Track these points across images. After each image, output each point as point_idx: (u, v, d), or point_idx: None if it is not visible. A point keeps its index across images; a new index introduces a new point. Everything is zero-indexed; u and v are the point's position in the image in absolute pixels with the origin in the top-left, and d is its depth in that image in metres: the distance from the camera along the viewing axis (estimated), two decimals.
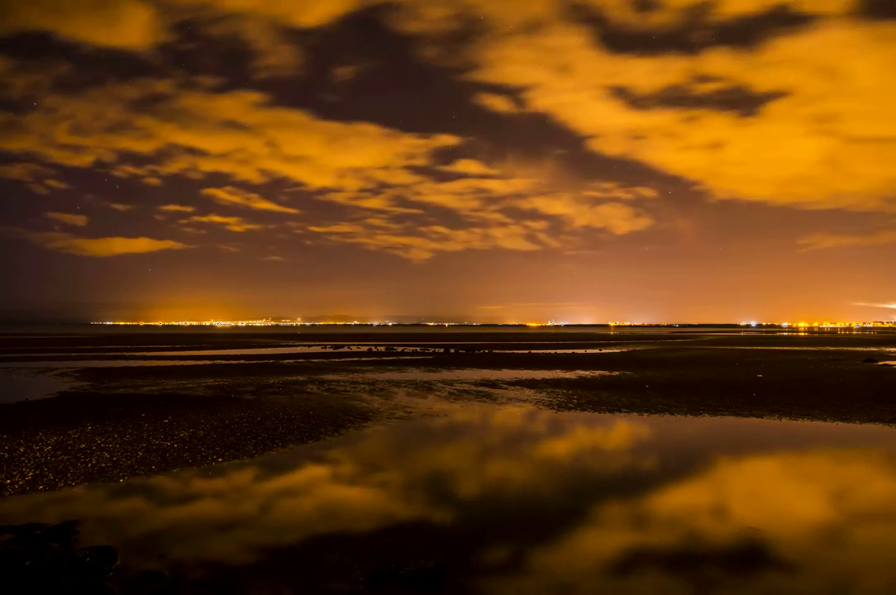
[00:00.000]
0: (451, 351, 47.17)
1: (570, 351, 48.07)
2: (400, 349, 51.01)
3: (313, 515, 7.37)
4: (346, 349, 51.10)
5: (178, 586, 5.33)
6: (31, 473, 8.95)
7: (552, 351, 48.18)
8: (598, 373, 26.43)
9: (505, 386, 21.12)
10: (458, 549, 6.19)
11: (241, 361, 34.31)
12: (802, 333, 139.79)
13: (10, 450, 10.28)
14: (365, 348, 52.44)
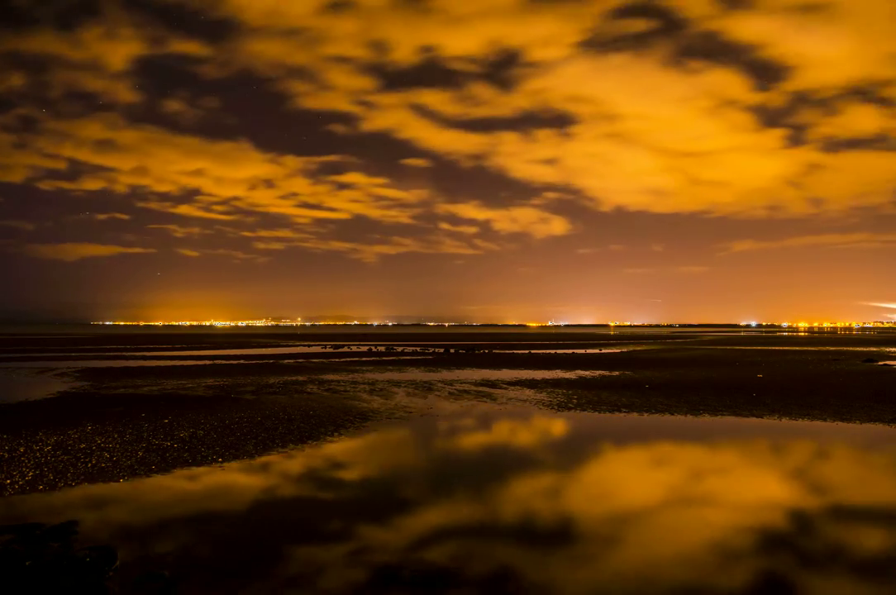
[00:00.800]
0: (451, 351, 47.17)
1: (570, 351, 48.07)
2: (400, 349, 51.01)
3: (313, 515, 7.37)
4: (346, 349, 51.11)
5: (178, 586, 5.34)
6: (31, 473, 8.95)
7: (552, 351, 48.18)
8: (598, 373, 26.43)
9: (505, 386, 21.12)
10: (462, 550, 6.20)
11: (241, 361, 34.31)
12: (802, 333, 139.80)
13: (10, 450, 10.28)
14: (365, 348, 52.44)
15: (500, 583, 5.42)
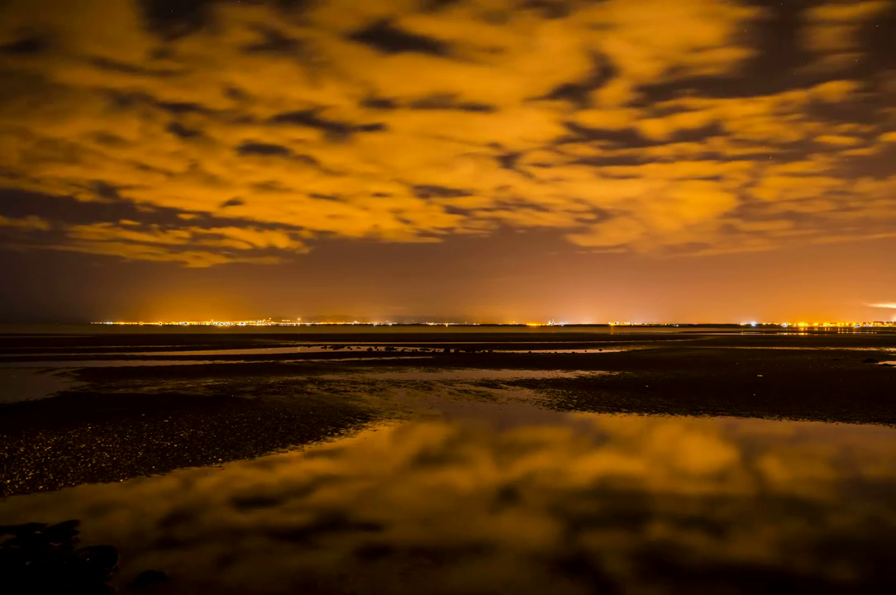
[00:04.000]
0: (451, 351, 47.17)
1: (570, 351, 48.06)
2: (400, 349, 51.00)
3: (313, 515, 7.37)
4: (346, 349, 51.11)
5: (178, 586, 5.34)
6: (31, 473, 8.95)
7: (552, 351, 48.18)
8: (598, 373, 26.43)
9: (505, 386, 21.12)
10: (459, 549, 6.20)
11: (241, 361, 34.31)
12: (802, 333, 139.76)
13: (10, 450, 10.28)
14: (365, 348, 52.45)
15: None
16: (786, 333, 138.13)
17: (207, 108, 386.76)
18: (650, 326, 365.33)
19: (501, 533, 6.71)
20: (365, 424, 13.28)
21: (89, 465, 9.49)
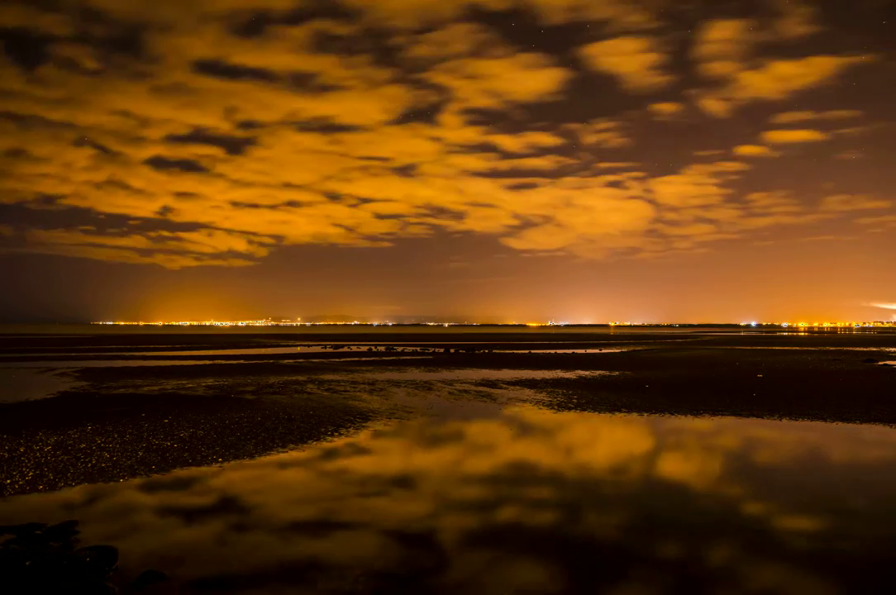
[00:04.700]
0: (451, 351, 47.17)
1: (570, 351, 48.07)
2: (400, 349, 51.02)
3: (313, 516, 7.37)
4: (346, 349, 51.12)
5: (178, 586, 5.34)
6: (31, 473, 8.95)
7: (552, 351, 48.19)
8: (598, 373, 26.43)
9: (505, 386, 21.12)
10: (458, 550, 6.20)
11: (241, 361, 34.31)
12: (802, 333, 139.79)
13: (10, 450, 10.28)
14: (365, 348, 52.46)
15: None
16: (786, 333, 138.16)
17: (107, 128, 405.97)
18: (650, 326, 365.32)
19: (498, 534, 6.71)
20: (365, 424, 13.29)
21: (89, 465, 9.49)
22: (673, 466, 9.95)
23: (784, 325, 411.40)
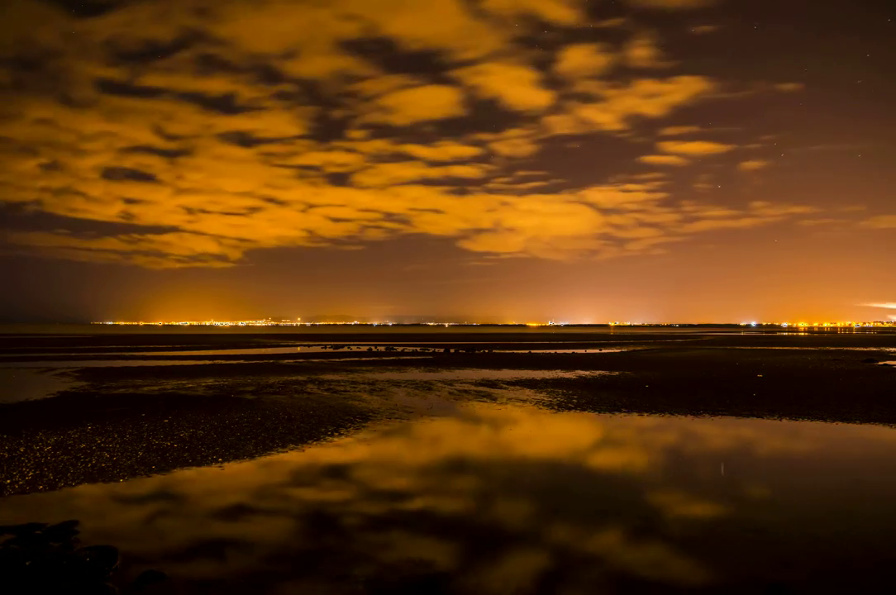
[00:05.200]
0: (451, 351, 47.17)
1: (570, 351, 48.07)
2: (400, 349, 51.03)
3: (313, 515, 7.37)
4: (346, 349, 51.13)
5: (179, 586, 5.34)
6: (31, 473, 8.95)
7: (552, 351, 48.19)
8: (598, 373, 26.43)
9: (505, 386, 21.12)
10: (460, 552, 6.20)
11: (241, 361, 34.31)
12: (802, 333, 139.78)
13: (10, 450, 10.28)
14: (365, 348, 52.45)
15: None
16: (786, 333, 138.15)
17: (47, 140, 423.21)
18: (650, 326, 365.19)
19: (499, 534, 6.71)
20: (365, 424, 13.29)
21: (89, 465, 9.49)
22: (673, 466, 9.94)
23: (784, 325, 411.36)
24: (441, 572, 5.64)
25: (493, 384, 21.68)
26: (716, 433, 12.54)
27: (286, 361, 34.16)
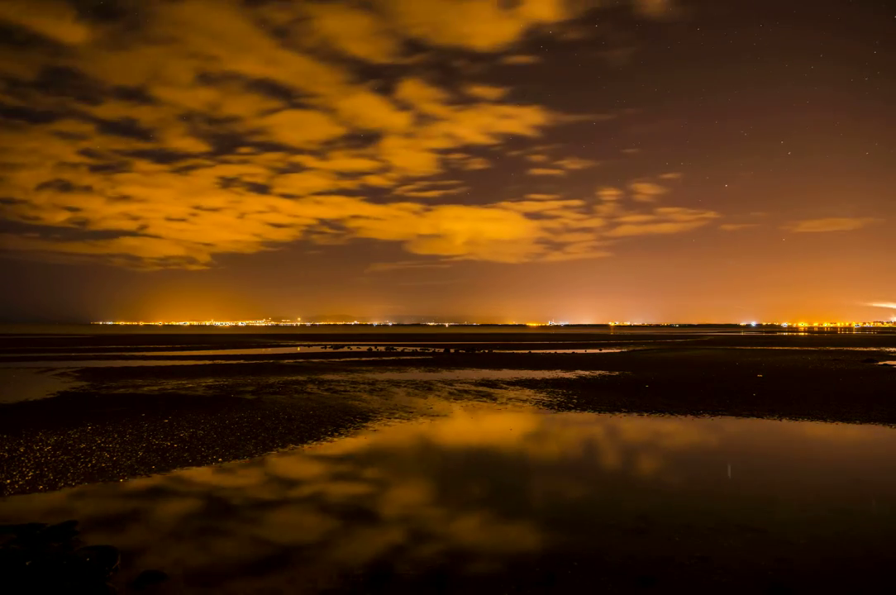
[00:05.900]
0: (452, 351, 47.17)
1: (569, 351, 48.07)
2: (400, 349, 51.02)
3: (313, 515, 7.37)
4: (346, 349, 51.12)
5: (179, 586, 5.34)
6: (31, 473, 8.95)
7: (552, 351, 48.18)
8: (598, 373, 26.43)
9: (505, 386, 21.12)
10: (458, 553, 6.20)
11: (241, 361, 34.31)
12: (802, 333, 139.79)
13: (10, 450, 10.28)
14: (365, 348, 52.45)
15: None
16: (786, 333, 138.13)
17: None
18: (650, 327, 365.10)
19: (499, 534, 6.71)
20: (365, 424, 13.28)
21: (89, 465, 9.49)
22: (673, 466, 9.94)
23: (784, 325, 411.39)
24: (441, 572, 5.64)
25: (493, 384, 21.68)
26: (716, 433, 12.54)
27: (286, 361, 34.15)
